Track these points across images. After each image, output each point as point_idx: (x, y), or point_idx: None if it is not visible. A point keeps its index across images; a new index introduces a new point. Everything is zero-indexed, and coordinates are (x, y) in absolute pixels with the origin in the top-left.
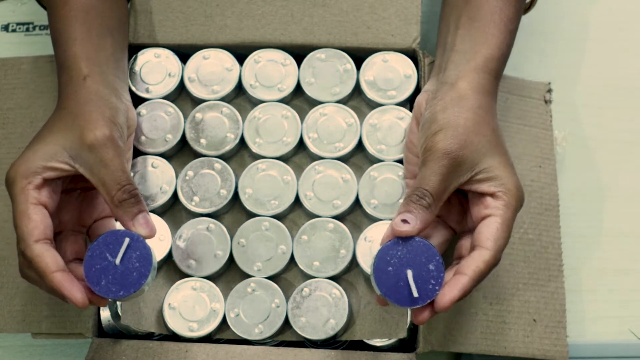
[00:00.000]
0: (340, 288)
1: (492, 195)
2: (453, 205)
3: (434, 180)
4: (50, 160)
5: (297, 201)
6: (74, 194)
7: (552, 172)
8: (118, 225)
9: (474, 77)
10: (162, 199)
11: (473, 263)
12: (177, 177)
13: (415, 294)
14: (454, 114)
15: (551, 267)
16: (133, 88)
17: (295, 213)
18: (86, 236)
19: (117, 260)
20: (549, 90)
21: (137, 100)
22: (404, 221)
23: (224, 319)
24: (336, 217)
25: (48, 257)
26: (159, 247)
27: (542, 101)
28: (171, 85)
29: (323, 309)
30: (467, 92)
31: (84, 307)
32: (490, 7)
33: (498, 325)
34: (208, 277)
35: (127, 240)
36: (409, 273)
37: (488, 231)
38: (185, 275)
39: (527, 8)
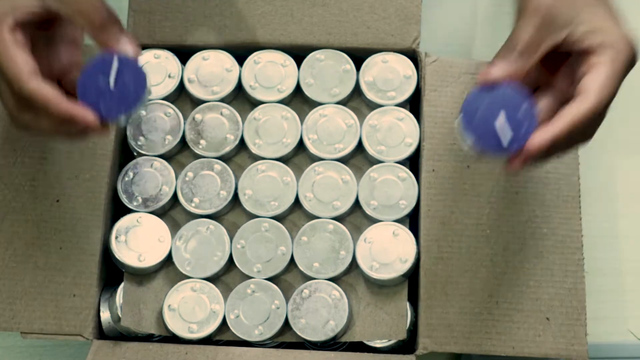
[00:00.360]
0: (340, 289)
1: (595, 51)
2: (566, 75)
3: (524, 33)
4: (18, 1)
5: (296, 202)
6: (38, 44)
7: (572, 161)
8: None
9: None
10: (162, 201)
11: (570, 111)
12: (176, 178)
13: (509, 136)
14: None
15: (568, 262)
16: None
17: (295, 214)
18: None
19: (111, 83)
20: None
21: None
22: (492, 64)
23: (224, 321)
24: (336, 219)
25: (47, 87)
26: (158, 249)
27: None
28: (171, 86)
29: (323, 311)
30: None
31: (96, 128)
32: None
33: (505, 325)
34: (208, 279)
35: (116, 60)
36: (501, 115)
37: (590, 80)
38: (185, 277)
39: None
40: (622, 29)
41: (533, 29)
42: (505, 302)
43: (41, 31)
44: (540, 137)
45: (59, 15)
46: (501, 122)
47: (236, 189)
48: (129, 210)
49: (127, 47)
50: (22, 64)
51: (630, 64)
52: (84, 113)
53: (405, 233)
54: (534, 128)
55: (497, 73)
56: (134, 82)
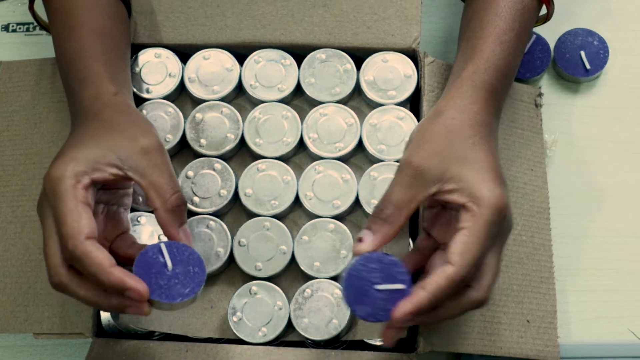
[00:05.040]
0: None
1: (463, 206)
2: (443, 225)
3: (396, 190)
4: (99, 162)
5: (297, 201)
6: (99, 207)
7: (542, 175)
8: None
9: (455, 92)
10: None
11: (434, 278)
12: (177, 177)
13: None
14: (422, 128)
15: (543, 269)
16: (133, 88)
17: (295, 213)
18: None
19: (169, 266)
20: (540, 95)
21: (138, 101)
22: (360, 239)
23: (225, 319)
24: (336, 217)
25: (102, 253)
26: None
27: (532, 105)
28: (171, 85)
29: (325, 309)
30: (443, 107)
31: (144, 299)
32: (480, 22)
33: (494, 326)
34: (209, 276)
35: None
36: (375, 288)
37: (454, 245)
38: None
39: (544, 19)
40: (489, 185)
41: (404, 186)
42: (494, 305)
43: (104, 191)
44: (403, 308)
45: (129, 184)
46: (373, 295)
47: (236, 187)
48: (130, 210)
49: (184, 238)
50: (84, 224)
51: (496, 217)
52: (139, 284)
53: (404, 233)
54: (405, 293)
55: (364, 247)
56: (192, 271)
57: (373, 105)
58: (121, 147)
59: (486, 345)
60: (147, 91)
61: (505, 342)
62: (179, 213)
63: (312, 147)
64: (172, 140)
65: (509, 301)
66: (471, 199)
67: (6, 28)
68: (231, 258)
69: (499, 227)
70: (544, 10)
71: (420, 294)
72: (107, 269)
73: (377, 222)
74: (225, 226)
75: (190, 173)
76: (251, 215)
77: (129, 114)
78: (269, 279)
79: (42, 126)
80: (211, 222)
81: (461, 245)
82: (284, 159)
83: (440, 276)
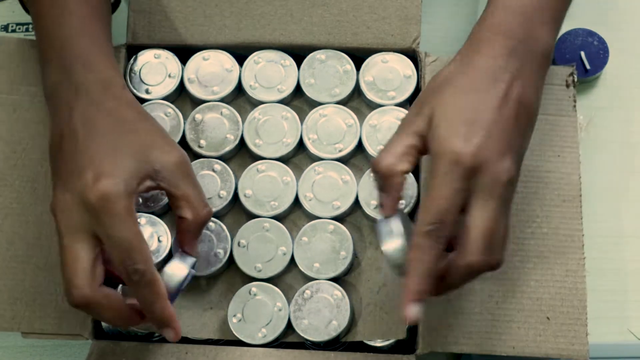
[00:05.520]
0: (341, 289)
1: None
2: None
3: (396, 144)
4: (139, 175)
5: (296, 202)
6: None
7: (574, 160)
8: None
9: (473, 33)
10: (162, 201)
11: (414, 245)
12: None
13: None
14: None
15: (569, 262)
16: (133, 89)
17: (294, 214)
18: None
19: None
20: (572, 74)
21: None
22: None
23: (225, 320)
24: (336, 218)
25: (162, 284)
26: (158, 248)
27: (563, 86)
28: (171, 86)
29: (325, 311)
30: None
31: (177, 339)
32: None
33: (505, 325)
34: (208, 277)
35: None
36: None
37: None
38: None
39: None
40: (451, 141)
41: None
42: (506, 302)
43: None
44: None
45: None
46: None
47: (236, 188)
48: None
49: (195, 253)
50: (149, 250)
51: (458, 175)
52: (178, 324)
53: None
54: None
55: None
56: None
57: (373, 106)
58: (156, 159)
59: (495, 344)
60: (147, 92)
61: (519, 341)
62: (203, 227)
63: (312, 148)
64: None
65: (524, 298)
66: (432, 152)
67: (5, 28)
68: (231, 259)
69: (460, 179)
70: None
71: (411, 280)
72: (165, 301)
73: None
74: (224, 227)
75: None
76: (251, 216)
77: (147, 117)
78: (268, 280)
79: (23, 112)
80: (211, 224)
81: (425, 201)
82: (283, 159)
83: (457, 260)
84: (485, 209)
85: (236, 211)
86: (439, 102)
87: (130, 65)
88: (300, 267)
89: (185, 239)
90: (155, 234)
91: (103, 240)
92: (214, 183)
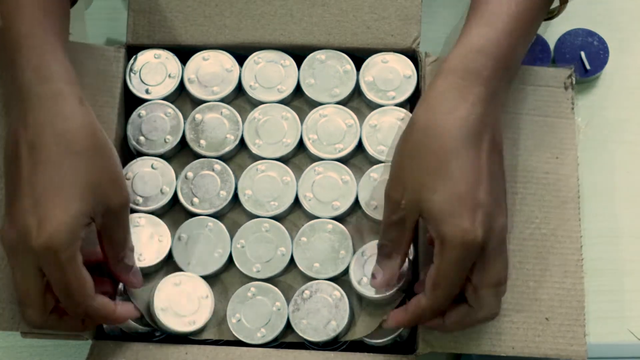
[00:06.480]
0: (340, 289)
1: (435, 239)
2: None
3: (385, 227)
4: (85, 221)
5: (296, 202)
6: None
7: (572, 162)
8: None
9: (432, 89)
10: (162, 201)
11: (414, 303)
12: (176, 178)
13: None
14: (399, 146)
15: (568, 263)
16: (133, 89)
17: (294, 214)
18: None
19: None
20: (570, 76)
21: (137, 102)
22: (373, 276)
23: (224, 321)
24: (336, 219)
25: (109, 303)
26: (158, 248)
27: (561, 88)
28: (171, 86)
29: (324, 311)
30: (420, 112)
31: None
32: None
33: (505, 325)
34: (208, 277)
35: None
36: None
37: (427, 278)
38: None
39: (552, 16)
40: (454, 223)
41: (393, 222)
42: (505, 303)
43: None
44: (393, 318)
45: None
46: None
47: (236, 189)
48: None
49: (134, 280)
50: (89, 287)
51: (465, 257)
52: (134, 312)
53: None
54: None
55: (379, 285)
56: None
57: (373, 106)
58: (101, 201)
59: (494, 344)
60: (147, 92)
61: (519, 342)
62: (127, 261)
63: (312, 148)
64: (171, 141)
65: (524, 299)
66: (438, 237)
67: None
68: (230, 259)
69: (472, 258)
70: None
71: (402, 314)
72: (114, 315)
73: (382, 260)
74: (224, 227)
75: (190, 174)
76: (251, 216)
77: (97, 145)
78: (267, 280)
79: None
80: (210, 224)
81: (430, 281)
82: (283, 160)
83: (415, 305)
84: (495, 266)
85: (236, 211)
86: (423, 184)
87: (130, 65)
88: (300, 267)
89: (115, 276)
90: (156, 234)
91: (47, 278)
92: (214, 183)
